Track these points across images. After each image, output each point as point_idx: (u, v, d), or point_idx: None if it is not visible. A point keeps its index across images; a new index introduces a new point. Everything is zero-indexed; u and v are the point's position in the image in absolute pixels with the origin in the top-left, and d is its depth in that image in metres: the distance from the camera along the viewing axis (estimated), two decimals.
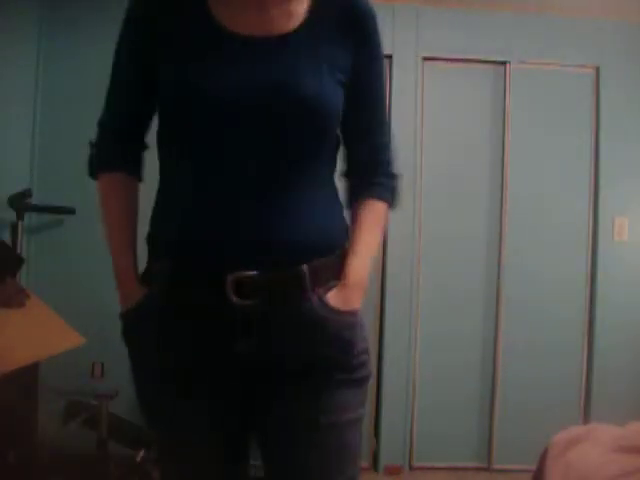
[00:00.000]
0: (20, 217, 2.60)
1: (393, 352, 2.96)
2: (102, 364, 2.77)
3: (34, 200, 2.69)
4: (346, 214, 1.07)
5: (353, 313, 1.00)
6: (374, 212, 1.07)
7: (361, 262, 1.02)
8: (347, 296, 0.99)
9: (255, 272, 0.91)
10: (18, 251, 2.56)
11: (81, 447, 2.48)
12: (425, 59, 2.98)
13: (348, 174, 1.11)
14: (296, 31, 0.97)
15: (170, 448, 1.02)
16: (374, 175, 1.09)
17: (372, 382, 2.99)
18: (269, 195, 0.93)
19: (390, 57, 2.94)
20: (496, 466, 3.01)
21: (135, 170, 1.08)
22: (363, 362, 1.02)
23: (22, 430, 2.23)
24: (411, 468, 3.00)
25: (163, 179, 1.01)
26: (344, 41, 1.00)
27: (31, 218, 2.78)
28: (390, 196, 1.11)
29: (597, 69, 3.03)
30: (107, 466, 2.41)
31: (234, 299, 0.91)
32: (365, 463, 2.97)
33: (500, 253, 3.02)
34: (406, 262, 2.96)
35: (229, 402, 0.99)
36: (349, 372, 0.99)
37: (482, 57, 3.01)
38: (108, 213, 1.04)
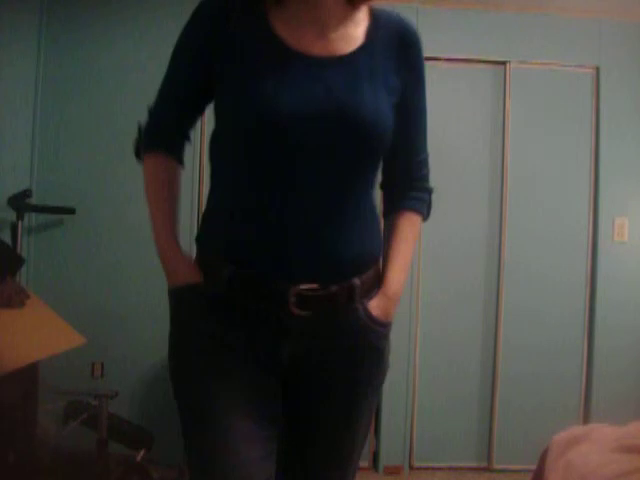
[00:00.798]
0: (20, 217, 2.60)
1: (393, 352, 2.95)
2: (102, 364, 2.77)
3: (34, 200, 2.69)
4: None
5: (389, 324, 1.09)
6: (411, 224, 1.14)
7: (399, 274, 1.09)
8: (386, 307, 1.06)
9: (316, 285, 0.97)
10: (18, 251, 2.56)
11: (81, 447, 2.48)
12: (425, 59, 2.97)
13: (387, 186, 1.18)
14: (355, 53, 1.00)
15: (205, 418, 0.99)
16: (412, 189, 1.16)
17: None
18: (330, 212, 0.97)
19: None
20: (496, 466, 3.02)
21: (179, 156, 1.11)
22: (386, 370, 1.13)
23: (22, 430, 2.23)
24: (411, 468, 3.00)
25: (221, 185, 1.03)
26: (397, 65, 1.06)
27: (31, 218, 2.78)
28: (425, 210, 1.18)
29: (597, 69, 3.03)
30: (107, 466, 2.41)
31: (295, 310, 0.97)
32: (365, 463, 2.97)
33: (500, 253, 3.02)
34: None
35: (265, 388, 1.02)
36: (377, 381, 1.10)
37: (482, 57, 3.01)
38: (152, 191, 1.07)
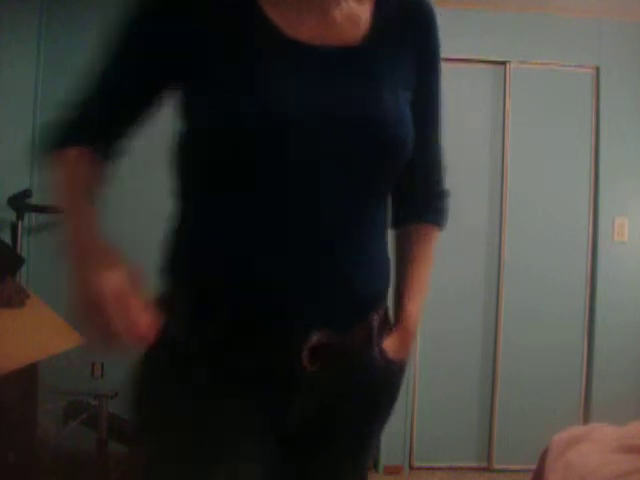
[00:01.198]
0: (20, 217, 2.60)
1: None
2: (102, 364, 2.77)
3: (34, 200, 2.69)
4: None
5: (406, 359, 0.94)
6: (428, 242, 0.97)
7: (417, 306, 0.92)
8: (403, 343, 0.91)
9: (332, 332, 0.78)
10: (18, 251, 2.56)
11: (81, 447, 2.48)
12: None
13: (400, 192, 0.95)
14: (364, 41, 0.82)
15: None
16: (430, 196, 0.98)
17: None
18: (348, 236, 0.79)
19: None
20: (496, 466, 3.01)
21: (105, 155, 0.85)
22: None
23: (22, 430, 2.23)
24: (411, 468, 3.00)
25: (203, 207, 0.81)
26: (409, 49, 0.90)
27: (31, 218, 2.78)
28: (443, 220, 1.00)
29: (597, 69, 3.03)
30: (107, 466, 2.41)
31: (308, 365, 0.78)
32: None
33: (500, 253, 3.02)
34: None
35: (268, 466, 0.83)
36: (389, 412, 0.93)
37: (482, 57, 3.01)
38: (67, 190, 0.83)
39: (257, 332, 0.77)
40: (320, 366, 0.79)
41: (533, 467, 2.05)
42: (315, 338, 0.77)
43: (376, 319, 0.84)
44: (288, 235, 0.76)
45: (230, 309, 0.77)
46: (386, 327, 0.89)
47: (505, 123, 3.02)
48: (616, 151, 3.03)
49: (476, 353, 3.04)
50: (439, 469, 3.00)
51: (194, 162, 0.81)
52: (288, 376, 0.78)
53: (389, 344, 0.88)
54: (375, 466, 2.99)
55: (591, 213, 3.05)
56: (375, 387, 0.88)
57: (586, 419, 2.98)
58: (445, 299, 3.02)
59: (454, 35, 2.98)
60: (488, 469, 3.02)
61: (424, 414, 3.00)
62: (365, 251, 0.82)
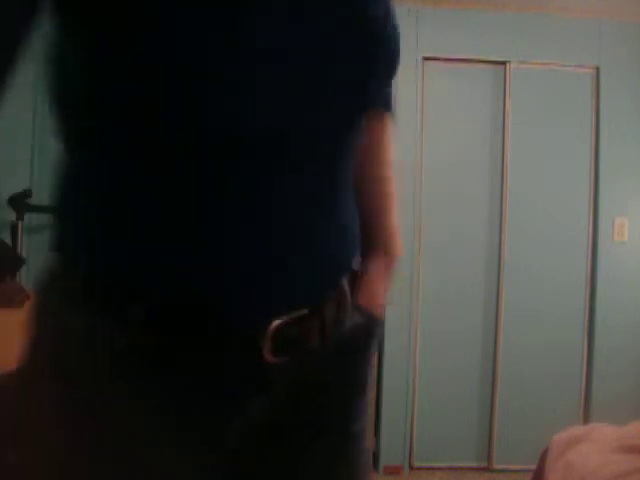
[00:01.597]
0: (20, 217, 2.60)
1: (393, 352, 2.96)
2: None
3: (34, 200, 2.69)
4: None
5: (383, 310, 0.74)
6: (386, 130, 0.77)
7: (394, 220, 0.73)
8: (388, 272, 0.73)
9: (299, 311, 0.59)
10: (18, 251, 2.56)
11: None
12: (425, 59, 2.98)
13: None
14: None
15: None
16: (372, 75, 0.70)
17: (372, 382, 2.99)
18: (316, 184, 0.60)
19: None
20: (496, 466, 3.01)
21: None
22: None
23: (22, 430, 2.23)
24: (411, 468, 3.00)
25: (110, 151, 0.58)
26: None
27: (31, 218, 2.78)
28: (391, 104, 0.79)
29: (597, 69, 3.03)
30: None
31: (270, 358, 0.58)
32: None
33: (500, 253, 3.02)
34: (406, 262, 2.96)
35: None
36: (364, 396, 0.73)
37: (482, 57, 3.01)
38: None
39: (195, 323, 0.55)
40: (287, 356, 0.59)
41: (533, 467, 2.05)
42: (278, 321, 0.57)
43: (346, 283, 0.66)
44: (225, 187, 0.54)
45: (158, 291, 0.55)
46: (355, 284, 0.70)
47: (505, 123, 3.02)
48: (616, 151, 3.03)
49: (476, 353, 3.04)
50: (439, 469, 3.00)
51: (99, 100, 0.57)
52: (245, 376, 0.58)
53: (368, 292, 0.70)
54: (375, 466, 2.99)
55: (591, 213, 3.05)
56: (354, 358, 0.70)
57: (586, 419, 2.98)
58: (445, 299, 3.02)
59: (454, 35, 2.99)
60: (488, 469, 3.02)
61: (424, 414, 3.00)
62: (333, 204, 0.63)
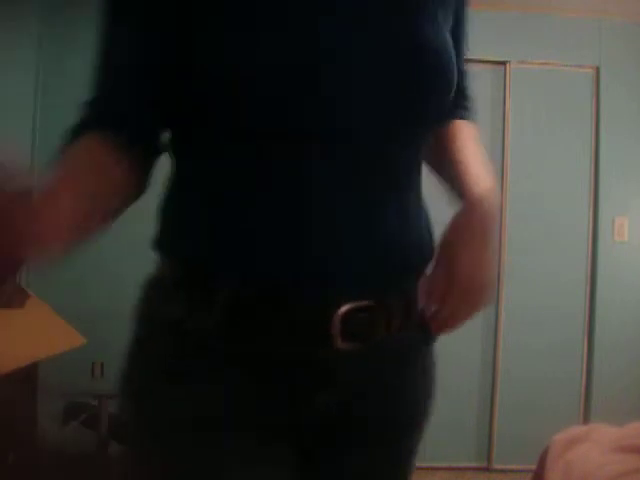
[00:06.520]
0: None
1: None
2: (102, 364, 2.77)
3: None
4: None
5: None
6: (471, 134, 0.85)
7: (482, 169, 0.74)
8: (475, 246, 0.70)
9: (367, 302, 0.64)
10: None
11: (81, 447, 2.48)
12: None
13: None
14: None
15: None
16: (458, 99, 0.86)
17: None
18: (385, 183, 0.67)
19: None
20: (496, 466, 3.01)
21: (137, 145, 0.65)
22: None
23: (22, 430, 2.23)
24: None
25: (203, 155, 0.67)
26: None
27: None
28: (473, 118, 0.88)
29: (597, 69, 3.03)
30: (107, 466, 2.41)
31: (340, 344, 0.63)
32: None
33: (500, 253, 3.02)
34: None
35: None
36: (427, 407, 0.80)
37: (482, 57, 3.01)
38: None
39: (272, 305, 0.62)
40: (356, 345, 0.64)
41: (533, 467, 2.05)
42: (346, 308, 0.62)
43: (415, 287, 0.70)
44: (305, 186, 0.62)
45: (238, 279, 0.62)
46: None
47: (505, 123, 3.02)
48: (616, 151, 3.03)
49: (476, 353, 3.04)
50: (439, 469, 3.00)
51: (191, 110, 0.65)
52: (316, 360, 0.64)
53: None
54: None
55: (591, 213, 3.05)
56: (416, 371, 0.76)
57: (586, 419, 2.98)
58: None
59: None
60: (488, 469, 3.02)
61: None
62: (405, 205, 0.70)
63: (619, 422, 2.00)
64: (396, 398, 0.72)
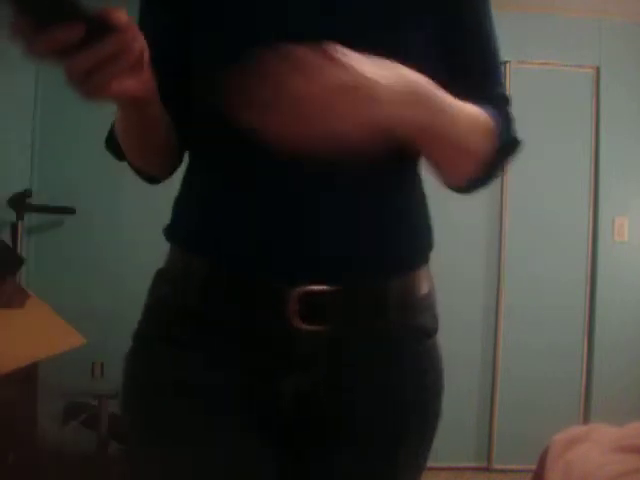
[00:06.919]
0: (20, 217, 2.60)
1: None
2: (102, 364, 2.77)
3: (34, 200, 2.69)
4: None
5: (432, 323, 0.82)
6: (486, 119, 0.74)
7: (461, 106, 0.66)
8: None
9: (326, 286, 0.67)
10: (18, 251, 2.56)
11: (81, 447, 2.48)
12: None
13: None
14: None
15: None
16: (485, 95, 0.77)
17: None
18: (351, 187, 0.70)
19: None
20: (496, 466, 3.01)
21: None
22: (438, 411, 0.85)
23: (22, 430, 2.23)
24: None
25: (198, 155, 0.77)
26: None
27: (31, 218, 2.78)
28: (504, 127, 0.77)
29: (597, 69, 3.03)
30: (107, 466, 2.41)
31: (298, 324, 0.67)
32: None
33: (500, 253, 3.02)
34: None
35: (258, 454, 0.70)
36: (429, 432, 0.82)
37: None
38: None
39: (234, 284, 0.69)
40: (318, 326, 0.67)
41: (533, 467, 2.05)
42: (306, 287, 0.66)
43: (393, 285, 0.71)
44: (266, 177, 0.68)
45: (209, 263, 0.70)
46: (413, 308, 0.76)
47: None
48: (616, 151, 3.03)
49: (476, 353, 3.04)
50: (439, 469, 3.00)
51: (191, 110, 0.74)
52: (278, 338, 0.67)
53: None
54: None
55: (591, 213, 3.05)
56: (402, 361, 0.76)
57: (586, 419, 2.98)
58: (445, 299, 3.01)
59: None
60: (488, 469, 3.02)
61: None
62: (382, 201, 0.71)
63: (619, 422, 2.00)
64: (379, 396, 0.72)
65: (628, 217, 3.03)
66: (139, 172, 0.80)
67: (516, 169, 3.00)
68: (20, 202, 2.59)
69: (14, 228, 2.59)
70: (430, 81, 0.62)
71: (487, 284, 3.04)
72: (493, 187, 3.03)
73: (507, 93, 0.82)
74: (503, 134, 0.76)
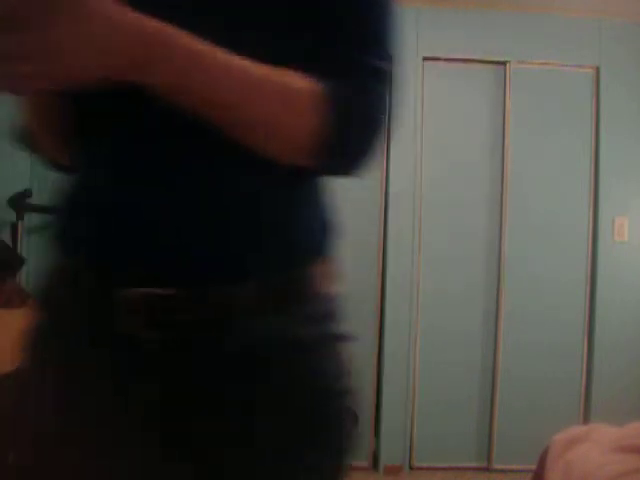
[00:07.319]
0: (20, 217, 2.60)
1: (393, 352, 2.95)
2: None
3: (34, 200, 2.69)
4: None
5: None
6: (293, 76, 0.61)
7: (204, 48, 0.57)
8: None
9: (174, 290, 0.61)
10: (18, 251, 2.56)
11: None
12: (425, 59, 2.98)
13: None
14: None
15: None
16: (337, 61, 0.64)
17: (372, 382, 2.98)
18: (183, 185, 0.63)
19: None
20: (496, 466, 3.01)
21: None
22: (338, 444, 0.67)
23: (22, 430, 2.23)
24: (411, 468, 3.00)
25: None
26: None
27: (31, 218, 2.78)
28: (346, 102, 0.62)
29: (597, 69, 3.03)
30: None
31: (133, 330, 0.61)
32: (365, 463, 2.97)
33: (500, 253, 3.02)
34: (406, 262, 2.96)
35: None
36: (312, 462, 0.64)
37: (482, 57, 3.01)
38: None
39: (76, 283, 0.65)
40: (162, 332, 0.61)
41: (533, 467, 2.05)
42: (142, 290, 0.60)
43: (243, 291, 0.62)
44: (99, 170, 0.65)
45: (64, 262, 0.68)
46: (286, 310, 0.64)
47: (505, 123, 3.02)
48: (616, 151, 3.03)
49: (476, 353, 3.04)
50: (439, 469, 3.00)
51: None
52: (118, 347, 0.62)
53: None
54: (375, 466, 2.99)
55: (591, 213, 3.05)
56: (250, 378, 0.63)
57: (586, 419, 2.98)
58: (445, 299, 3.02)
59: (454, 35, 2.99)
60: (488, 469, 3.02)
61: (424, 414, 3.00)
62: (220, 201, 0.62)
63: (619, 422, 2.00)
64: (210, 411, 0.62)
65: (628, 217, 3.03)
66: None
67: (516, 169, 3.01)
68: (20, 202, 2.59)
69: (14, 228, 2.59)
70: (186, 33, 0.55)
71: (487, 284, 3.04)
72: (494, 187, 3.03)
73: (383, 68, 0.67)
74: (341, 106, 0.61)
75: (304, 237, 0.67)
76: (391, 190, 2.96)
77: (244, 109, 0.59)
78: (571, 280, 3.04)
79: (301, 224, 0.67)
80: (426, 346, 3.00)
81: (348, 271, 2.87)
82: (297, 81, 0.60)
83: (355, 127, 0.63)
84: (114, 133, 0.63)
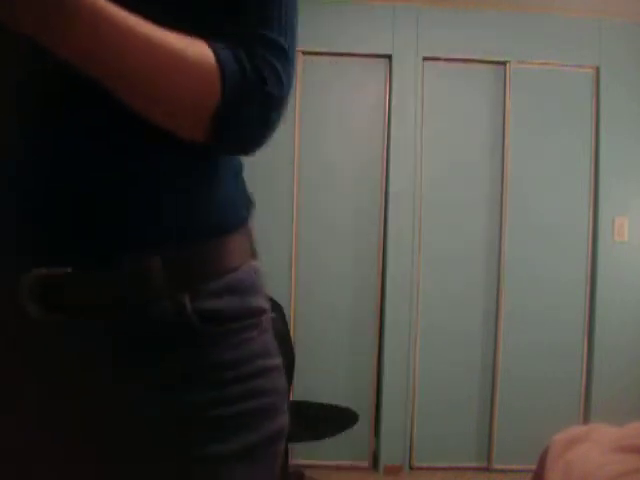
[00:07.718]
0: None
1: (393, 352, 2.95)
2: None
3: None
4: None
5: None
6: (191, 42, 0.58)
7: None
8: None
9: (69, 269, 0.57)
10: None
11: None
12: (425, 59, 2.98)
13: None
14: None
15: None
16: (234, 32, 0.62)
17: (372, 382, 2.99)
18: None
19: (390, 57, 2.94)
20: (496, 466, 3.01)
21: None
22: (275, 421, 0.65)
23: None
24: (411, 468, 3.00)
25: None
26: None
27: None
28: (242, 74, 0.60)
29: (597, 69, 3.03)
30: None
31: (34, 311, 0.57)
32: (365, 463, 2.97)
33: (500, 253, 3.02)
34: (406, 262, 2.96)
35: None
36: (226, 435, 0.61)
37: (482, 57, 3.01)
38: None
39: None
40: (58, 317, 0.57)
41: (533, 467, 2.05)
42: (36, 272, 0.56)
43: (158, 262, 0.59)
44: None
45: None
46: (205, 282, 0.61)
47: (505, 123, 3.02)
48: (616, 151, 3.03)
49: (476, 353, 3.04)
50: (439, 469, 3.00)
51: None
52: (13, 329, 0.59)
53: None
54: (375, 466, 2.99)
55: (591, 213, 3.05)
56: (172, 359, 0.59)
57: (586, 419, 2.98)
58: (445, 299, 3.02)
59: (454, 35, 2.99)
60: (488, 469, 3.02)
61: (424, 414, 3.00)
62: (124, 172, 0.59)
63: (619, 422, 2.00)
64: (114, 399, 0.58)
65: (628, 217, 3.03)
66: None
67: (516, 169, 3.01)
68: None
69: None
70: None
71: (487, 284, 3.04)
72: (494, 187, 3.03)
73: (283, 44, 0.63)
74: (235, 78, 0.59)
75: (212, 211, 0.64)
76: (391, 190, 2.96)
77: (148, 75, 0.55)
78: (571, 280, 3.04)
79: (210, 199, 0.64)
80: (426, 346, 3.00)
81: (348, 271, 2.90)
82: (199, 52, 0.58)
83: (252, 102, 0.61)
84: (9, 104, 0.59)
